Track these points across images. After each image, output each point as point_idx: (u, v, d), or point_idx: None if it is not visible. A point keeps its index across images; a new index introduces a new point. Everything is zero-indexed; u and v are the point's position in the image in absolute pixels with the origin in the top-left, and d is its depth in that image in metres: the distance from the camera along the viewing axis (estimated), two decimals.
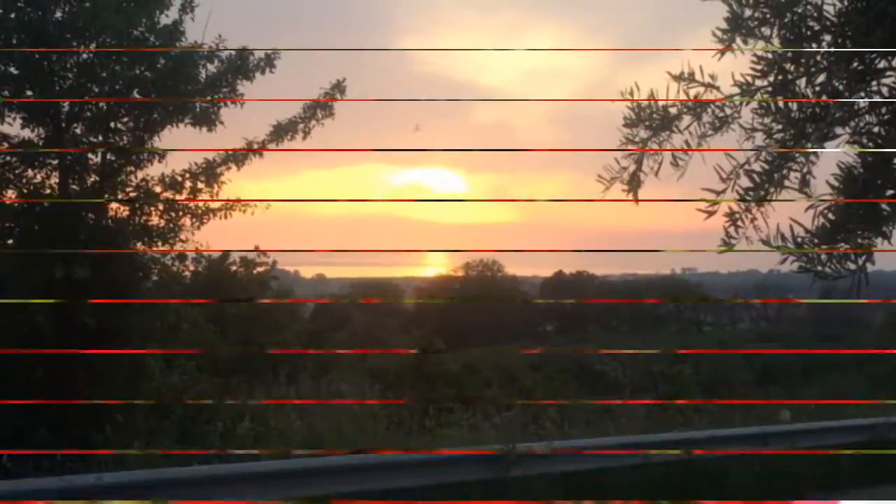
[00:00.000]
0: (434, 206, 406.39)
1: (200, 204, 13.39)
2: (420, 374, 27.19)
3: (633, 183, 5.50)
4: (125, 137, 13.19)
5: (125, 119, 13.19)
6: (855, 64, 4.84)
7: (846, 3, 4.78)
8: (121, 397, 12.60)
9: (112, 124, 13.05)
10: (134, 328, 13.30)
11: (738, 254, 5.10)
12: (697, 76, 5.21)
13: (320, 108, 13.72)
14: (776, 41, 4.95)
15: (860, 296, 4.71)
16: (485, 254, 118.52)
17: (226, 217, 13.56)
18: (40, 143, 12.75)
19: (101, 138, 12.99)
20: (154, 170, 13.37)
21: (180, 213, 13.26)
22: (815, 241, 4.76)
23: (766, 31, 4.94)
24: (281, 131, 13.56)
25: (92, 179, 13.02)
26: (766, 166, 5.01)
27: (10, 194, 12.81)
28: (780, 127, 5.05)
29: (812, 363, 57.95)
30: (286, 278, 75.54)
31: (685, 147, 5.33)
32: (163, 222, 13.25)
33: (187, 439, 12.24)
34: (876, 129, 4.91)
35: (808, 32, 4.89)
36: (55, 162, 12.75)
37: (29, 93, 12.59)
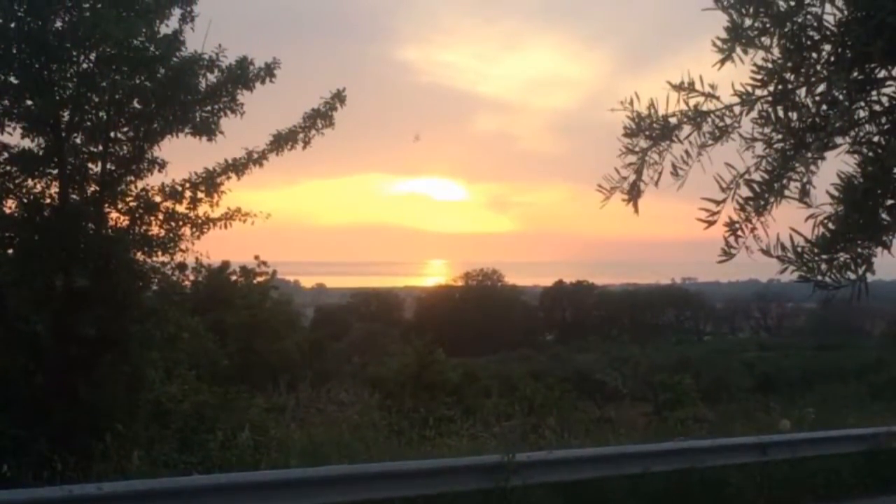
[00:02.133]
0: (434, 214, 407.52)
1: (200, 213, 13.39)
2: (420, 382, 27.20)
3: (633, 192, 5.51)
4: (125, 147, 13.19)
5: (125, 129, 13.19)
6: (855, 73, 4.85)
7: (846, 13, 4.79)
8: (121, 407, 12.61)
9: (112, 134, 13.05)
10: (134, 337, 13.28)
11: (738, 263, 5.10)
12: (697, 86, 5.22)
13: (320, 117, 13.73)
14: (776, 50, 4.96)
15: (860, 305, 4.72)
16: (485, 263, 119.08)
17: (226, 227, 13.55)
18: (40, 153, 12.74)
19: (101, 148, 13.00)
20: (154, 179, 13.39)
21: (180, 223, 13.25)
22: (815, 250, 4.76)
23: (766, 40, 4.95)
24: (281, 141, 13.56)
25: (92, 189, 13.02)
26: (766, 176, 5.01)
27: (11, 204, 12.81)
28: (780, 136, 5.06)
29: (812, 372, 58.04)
30: (286, 288, 75.69)
31: (685, 157, 5.33)
32: (163, 232, 13.24)
33: (187, 448, 12.24)
34: (876, 139, 4.92)
35: (809, 42, 4.90)
36: (55, 171, 12.75)
37: (29, 102, 12.60)
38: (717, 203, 5.05)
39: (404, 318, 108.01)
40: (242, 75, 13.19)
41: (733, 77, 5.08)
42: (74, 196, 12.92)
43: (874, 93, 4.92)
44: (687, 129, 5.30)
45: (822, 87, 4.93)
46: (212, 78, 13.18)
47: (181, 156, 14.16)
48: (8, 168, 12.70)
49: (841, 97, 4.85)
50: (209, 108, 13.20)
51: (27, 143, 12.76)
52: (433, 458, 11.90)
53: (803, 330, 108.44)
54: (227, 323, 37.72)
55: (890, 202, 4.81)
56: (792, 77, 4.99)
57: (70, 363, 12.62)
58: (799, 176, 4.91)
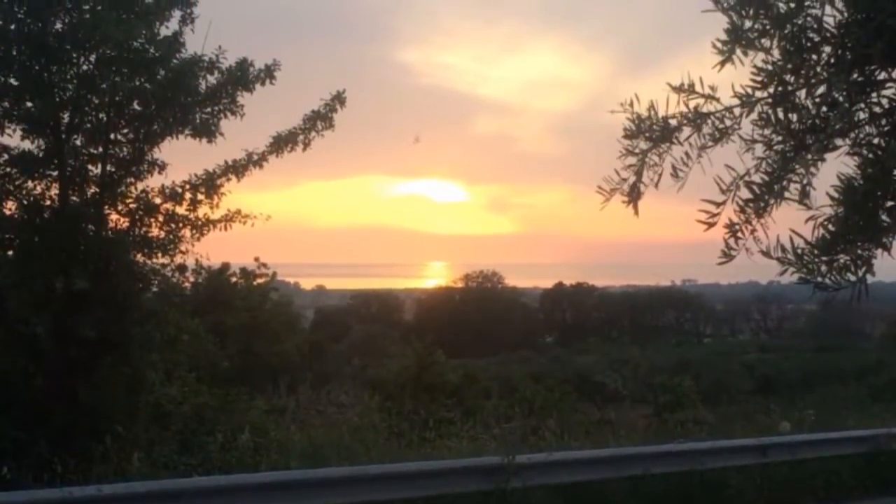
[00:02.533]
0: (434, 216, 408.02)
1: (200, 215, 13.38)
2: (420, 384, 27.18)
3: (633, 194, 5.50)
4: (125, 149, 13.18)
5: (125, 130, 13.18)
6: (855, 75, 4.85)
7: (846, 14, 4.79)
8: (121, 409, 12.61)
9: (112, 135, 13.04)
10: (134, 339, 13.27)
11: (738, 265, 5.10)
12: (697, 87, 5.22)
13: (320, 119, 13.72)
14: (776, 52, 4.96)
15: (860, 307, 4.73)
16: (485, 264, 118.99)
17: (226, 228, 13.54)
18: (40, 155, 12.74)
19: (101, 150, 12.99)
20: (154, 181, 13.38)
21: (180, 225, 13.25)
22: (815, 252, 4.76)
23: (766, 42, 4.95)
24: (281, 142, 13.55)
25: (92, 191, 13.02)
26: (766, 177, 5.01)
27: (11, 205, 12.80)
28: (780, 138, 5.05)
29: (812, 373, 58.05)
30: (286, 289, 75.61)
31: (685, 158, 5.33)
32: (163, 234, 13.23)
33: (187, 450, 12.23)
34: (876, 141, 4.91)
35: (809, 44, 4.90)
36: (55, 173, 12.74)
37: (29, 104, 12.59)
38: (717, 205, 5.05)
39: (404, 319, 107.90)
40: (242, 77, 13.18)
41: (733, 79, 5.08)
42: (74, 198, 12.91)
43: (874, 95, 4.92)
44: (687, 130, 5.29)
45: (822, 89, 4.93)
46: (212, 79, 13.18)
47: (181, 157, 14.18)
48: (8, 170, 12.70)
49: (841, 99, 4.85)
50: (209, 109, 13.20)
51: (27, 145, 12.79)
52: (433, 460, 11.90)
53: (803, 332, 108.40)
54: (227, 325, 37.65)
55: (890, 204, 4.81)
56: (792, 79, 4.99)
57: (70, 365, 12.62)
58: (799, 178, 4.91)
